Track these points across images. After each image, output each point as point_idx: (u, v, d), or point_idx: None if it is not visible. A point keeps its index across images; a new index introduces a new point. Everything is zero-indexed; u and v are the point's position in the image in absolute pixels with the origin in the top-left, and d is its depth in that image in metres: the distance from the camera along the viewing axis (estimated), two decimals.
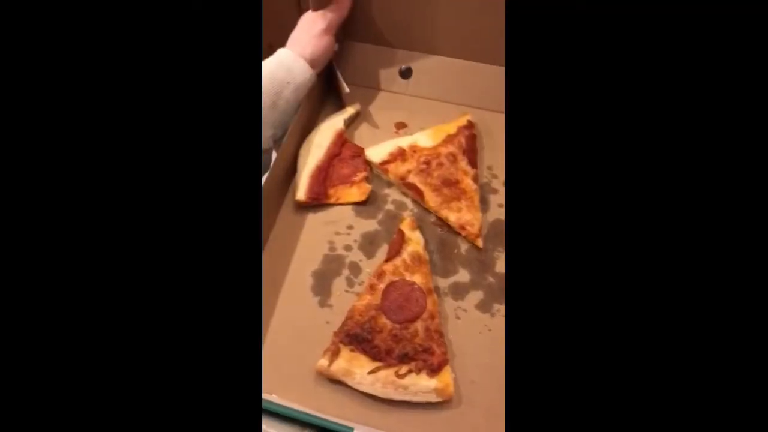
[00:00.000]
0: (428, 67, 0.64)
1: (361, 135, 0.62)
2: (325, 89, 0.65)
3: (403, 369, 0.46)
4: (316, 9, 0.58)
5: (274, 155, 0.56)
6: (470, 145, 0.58)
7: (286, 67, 0.55)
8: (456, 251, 0.54)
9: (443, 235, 0.55)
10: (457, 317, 0.50)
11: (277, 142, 0.58)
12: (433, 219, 0.56)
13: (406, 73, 0.64)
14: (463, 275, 0.53)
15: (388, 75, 0.65)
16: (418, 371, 0.46)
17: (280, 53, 0.57)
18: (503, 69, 0.62)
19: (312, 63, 0.57)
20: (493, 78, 0.62)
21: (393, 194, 0.58)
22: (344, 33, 0.64)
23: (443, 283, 0.52)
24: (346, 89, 0.61)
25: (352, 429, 0.42)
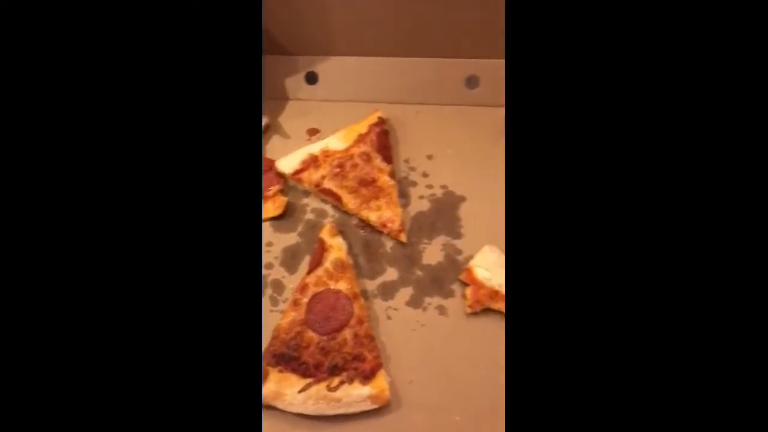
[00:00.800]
0: (332, 69, 0.63)
1: (273, 147, 0.60)
2: None
3: (335, 381, 0.44)
4: None
5: None
6: (383, 141, 0.57)
7: None
8: (381, 250, 0.53)
9: (367, 236, 0.53)
10: (389, 317, 0.49)
11: None
12: (355, 222, 0.54)
13: (311, 79, 0.63)
14: (390, 273, 0.51)
15: (294, 83, 0.64)
16: (351, 381, 0.44)
17: None
18: (407, 59, 0.61)
19: None
20: (398, 70, 0.62)
21: (311, 203, 0.56)
22: None
23: (371, 285, 0.51)
24: None
25: None
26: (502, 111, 0.59)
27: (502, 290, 0.47)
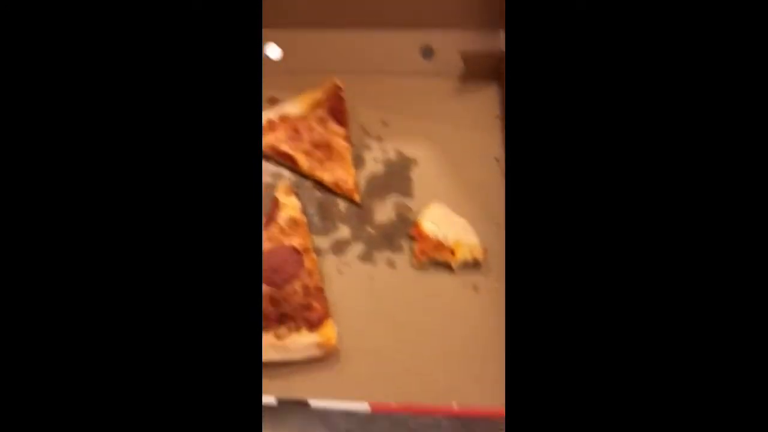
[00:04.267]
0: (294, 42, 0.64)
1: None
2: None
3: (282, 329, 0.45)
4: None
5: None
6: (338, 106, 0.58)
7: None
8: (335, 209, 0.54)
9: (321, 198, 0.55)
10: (340, 272, 0.50)
11: None
12: (309, 183, 0.56)
13: (273, 52, 0.64)
14: (343, 231, 0.53)
15: None
16: (298, 329, 0.45)
17: None
18: (364, 32, 0.63)
19: None
20: (357, 42, 0.63)
21: (268, 166, 0.57)
22: None
23: (324, 242, 0.52)
24: None
25: None
26: (454, 81, 0.61)
27: (447, 242, 0.49)
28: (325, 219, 0.53)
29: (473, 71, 0.60)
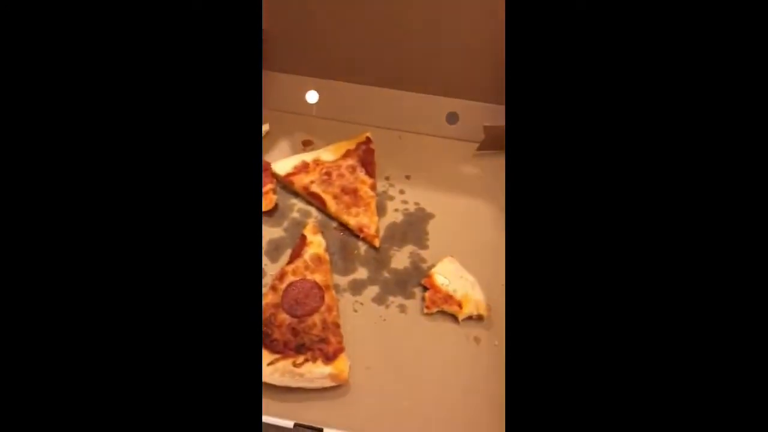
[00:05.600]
0: (332, 91, 0.71)
1: (271, 151, 0.67)
2: None
3: (300, 359, 0.49)
4: None
5: None
6: (368, 158, 0.65)
7: None
8: (355, 252, 0.59)
9: (344, 239, 0.60)
10: (355, 310, 0.55)
11: None
12: (335, 225, 0.61)
13: (312, 97, 0.71)
14: (361, 273, 0.58)
15: (296, 99, 0.71)
16: (314, 360, 0.49)
17: None
18: (397, 91, 0.69)
19: None
20: (389, 100, 0.70)
21: (298, 204, 0.63)
22: None
23: (343, 281, 0.57)
24: None
25: None
26: (474, 147, 0.68)
27: (456, 296, 0.54)
28: (346, 260, 0.58)
29: (492, 141, 0.67)
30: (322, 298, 0.53)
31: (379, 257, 0.59)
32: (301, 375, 0.48)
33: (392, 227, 0.61)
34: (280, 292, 0.53)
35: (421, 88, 0.69)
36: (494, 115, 0.67)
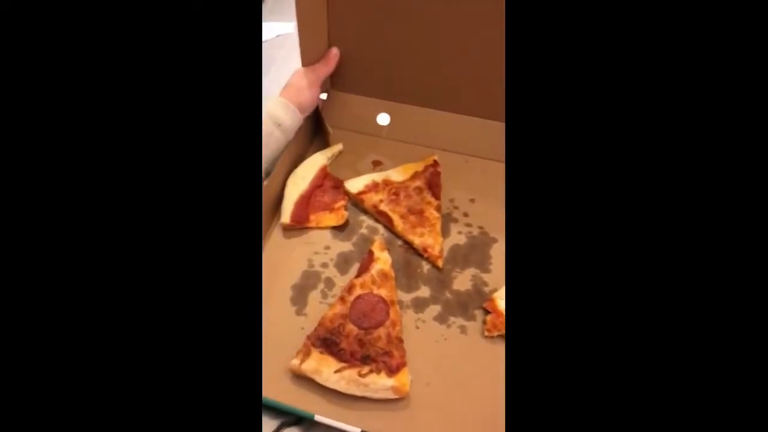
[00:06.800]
0: (402, 114, 0.74)
1: (343, 170, 0.71)
2: (312, 131, 0.75)
3: (365, 369, 0.52)
4: (306, 64, 0.69)
5: (264, 185, 0.65)
6: (435, 180, 0.67)
7: (280, 111, 0.65)
8: (419, 270, 0.62)
9: (408, 257, 0.63)
10: (417, 327, 0.57)
11: (267, 175, 0.67)
12: (400, 243, 0.64)
13: (383, 120, 0.75)
14: (424, 291, 0.60)
15: (368, 121, 0.75)
16: (378, 372, 0.52)
17: (276, 99, 0.67)
18: (466, 117, 0.72)
19: (301, 109, 0.67)
20: (457, 125, 0.72)
21: (367, 221, 0.66)
22: (330, 84, 0.75)
23: (406, 297, 0.59)
24: (330, 131, 0.71)
25: (313, 415, 0.48)
26: None
27: None
28: (410, 277, 0.61)
29: None
30: (387, 312, 0.56)
31: (441, 277, 0.61)
32: (366, 385, 0.51)
33: (455, 249, 0.63)
34: (348, 304, 0.57)
35: (489, 114, 0.71)
36: None
